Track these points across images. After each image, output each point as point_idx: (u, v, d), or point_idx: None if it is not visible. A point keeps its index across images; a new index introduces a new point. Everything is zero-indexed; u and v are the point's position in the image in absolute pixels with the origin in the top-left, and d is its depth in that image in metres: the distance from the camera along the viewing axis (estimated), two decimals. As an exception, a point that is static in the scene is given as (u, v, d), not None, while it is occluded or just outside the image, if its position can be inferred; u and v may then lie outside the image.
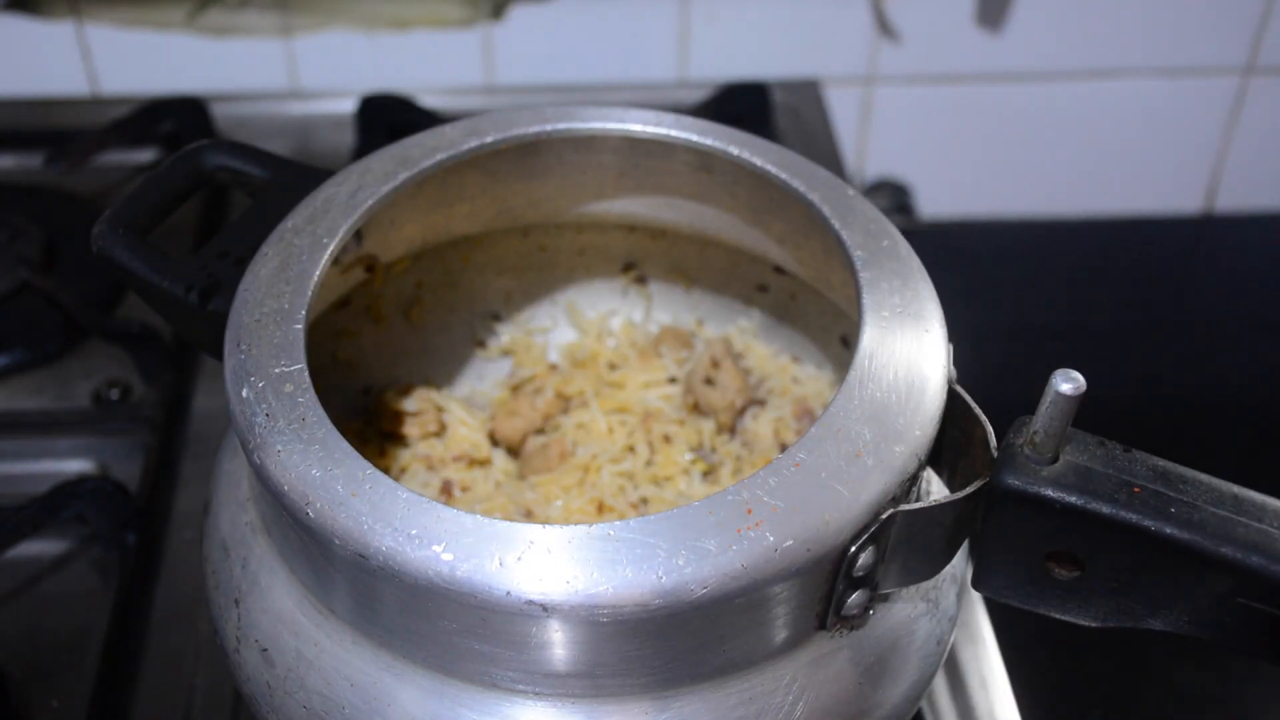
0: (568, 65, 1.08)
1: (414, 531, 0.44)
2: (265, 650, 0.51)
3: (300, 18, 1.04)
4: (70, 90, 1.07)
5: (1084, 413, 0.46)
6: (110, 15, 1.03)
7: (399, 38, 1.06)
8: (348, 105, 1.03)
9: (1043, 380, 0.45)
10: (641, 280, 0.74)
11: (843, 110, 1.10)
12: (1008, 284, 1.11)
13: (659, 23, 1.06)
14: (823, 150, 1.02)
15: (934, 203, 1.16)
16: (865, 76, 1.09)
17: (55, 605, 0.72)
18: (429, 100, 1.03)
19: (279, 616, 0.51)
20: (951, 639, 0.56)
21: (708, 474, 0.68)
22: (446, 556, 0.43)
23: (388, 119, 1.00)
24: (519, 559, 0.43)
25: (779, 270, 0.69)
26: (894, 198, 1.13)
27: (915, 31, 1.07)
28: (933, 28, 1.07)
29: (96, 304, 0.86)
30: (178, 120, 1.01)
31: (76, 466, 0.79)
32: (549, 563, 0.43)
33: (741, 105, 1.03)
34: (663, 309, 0.74)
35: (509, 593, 0.43)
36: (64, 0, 1.03)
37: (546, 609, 0.43)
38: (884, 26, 1.07)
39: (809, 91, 1.08)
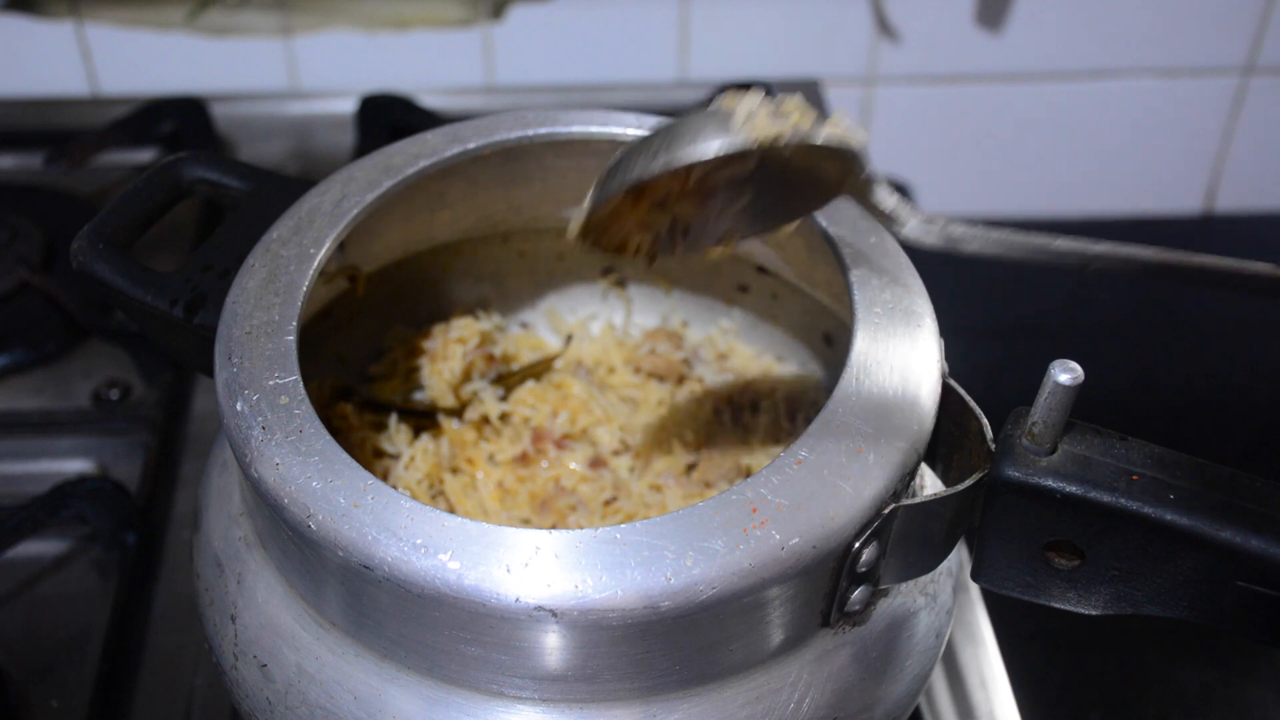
0: (568, 65, 1.08)
1: (419, 541, 0.43)
2: (264, 666, 0.51)
3: (300, 18, 1.04)
4: (70, 90, 1.07)
5: (1082, 413, 0.46)
6: (110, 15, 1.03)
7: (399, 38, 1.06)
8: (348, 105, 1.03)
9: (1040, 380, 0.45)
10: (621, 284, 0.74)
11: (843, 110, 1.10)
12: (1007, 283, 1.11)
13: (659, 23, 1.06)
14: (823, 150, 1.02)
15: (934, 203, 1.16)
16: (865, 76, 1.09)
17: (55, 605, 0.71)
18: (429, 100, 1.03)
19: (277, 631, 0.51)
20: (949, 632, 0.56)
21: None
22: (453, 565, 0.43)
23: (388, 119, 1.00)
24: (526, 565, 0.43)
25: (761, 270, 0.69)
26: (894, 198, 1.13)
27: (915, 31, 1.07)
28: (933, 28, 1.07)
29: (96, 304, 0.86)
30: (178, 120, 1.01)
31: (76, 466, 0.79)
32: (556, 568, 0.43)
33: (741, 105, 1.03)
34: (643, 312, 0.74)
35: (518, 599, 0.42)
36: (64, 0, 1.02)
37: (556, 614, 0.42)
38: (884, 26, 1.07)
39: (809, 91, 1.08)
